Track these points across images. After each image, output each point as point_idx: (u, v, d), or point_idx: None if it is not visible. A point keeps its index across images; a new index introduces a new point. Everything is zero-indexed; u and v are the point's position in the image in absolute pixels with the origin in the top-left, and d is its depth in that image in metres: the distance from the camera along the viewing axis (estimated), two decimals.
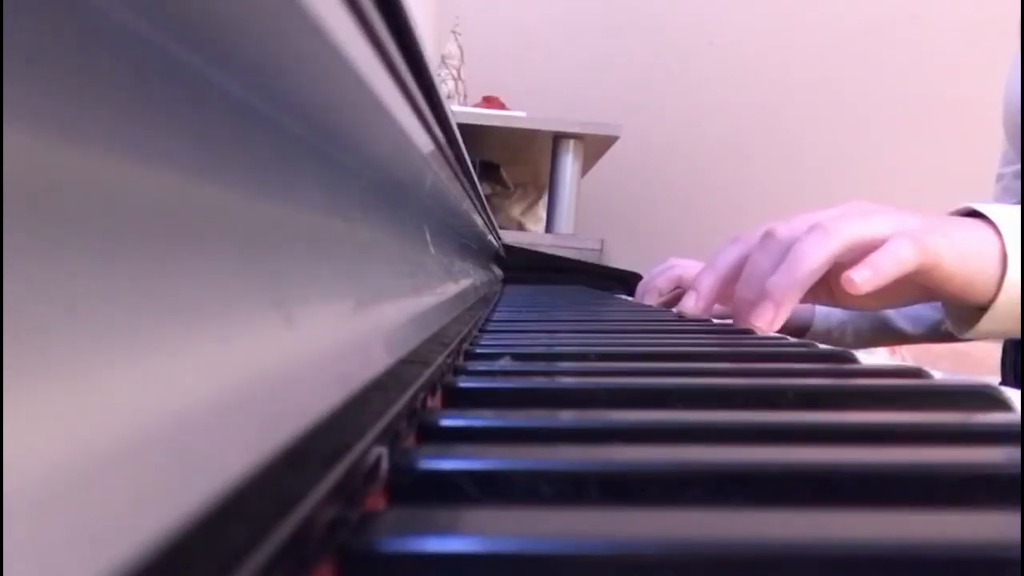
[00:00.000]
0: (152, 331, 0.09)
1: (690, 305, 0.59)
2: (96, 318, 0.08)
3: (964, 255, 0.52)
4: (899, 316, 0.81)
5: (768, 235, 0.55)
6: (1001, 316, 0.54)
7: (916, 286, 0.54)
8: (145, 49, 0.11)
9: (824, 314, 0.82)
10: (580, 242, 1.54)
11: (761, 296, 0.52)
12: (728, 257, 0.59)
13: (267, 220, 0.15)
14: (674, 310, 0.80)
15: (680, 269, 0.86)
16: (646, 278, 0.91)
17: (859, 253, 0.51)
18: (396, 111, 0.23)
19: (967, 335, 0.59)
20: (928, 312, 0.79)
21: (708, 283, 0.59)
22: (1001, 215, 0.54)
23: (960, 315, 0.59)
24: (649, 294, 0.87)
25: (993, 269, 0.53)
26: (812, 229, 0.51)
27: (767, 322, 0.51)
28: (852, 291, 0.49)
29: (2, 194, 0.07)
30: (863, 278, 0.49)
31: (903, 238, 0.50)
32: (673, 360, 0.34)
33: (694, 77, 2.11)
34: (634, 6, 2.12)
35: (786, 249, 0.52)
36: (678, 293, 0.87)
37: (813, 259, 0.50)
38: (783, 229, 0.54)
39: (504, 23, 2.11)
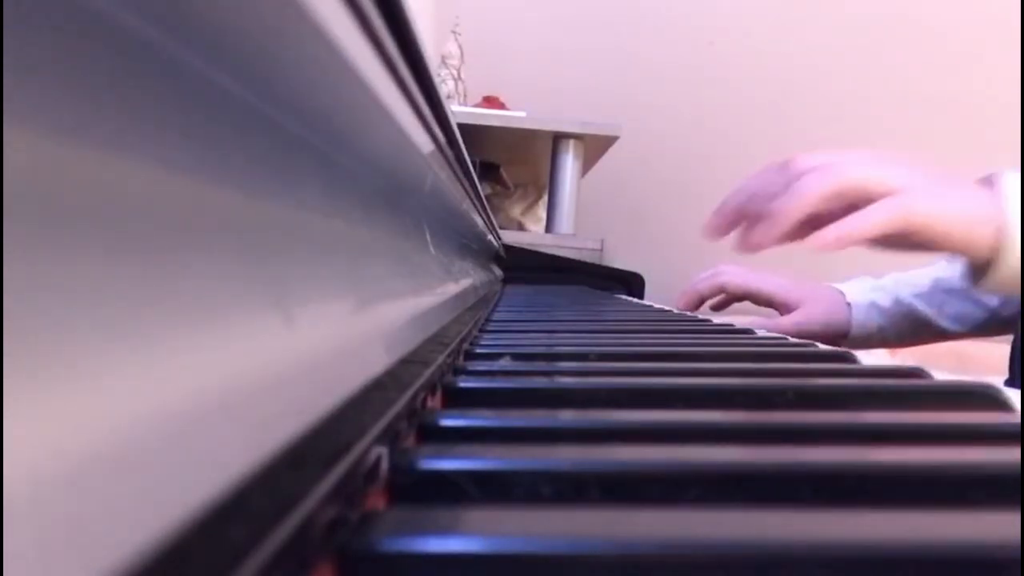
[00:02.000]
0: (152, 331, 0.09)
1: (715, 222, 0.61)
2: (97, 317, 0.08)
3: (956, 219, 0.54)
4: (941, 316, 0.81)
5: (788, 163, 0.58)
6: (1007, 275, 0.55)
7: (913, 241, 0.56)
8: (145, 48, 0.11)
9: (861, 322, 0.81)
10: (580, 242, 1.54)
11: (764, 215, 0.56)
12: (758, 179, 0.60)
13: (267, 220, 0.15)
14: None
15: (728, 276, 0.86)
16: (692, 281, 0.90)
17: (862, 200, 0.53)
18: (396, 111, 0.23)
19: (980, 287, 0.59)
20: (972, 310, 0.79)
21: (732, 200, 0.61)
22: (1012, 181, 0.55)
23: (975, 268, 0.59)
24: (687, 296, 0.86)
25: (990, 234, 0.54)
26: (818, 168, 0.55)
27: (760, 240, 0.56)
28: (816, 246, 0.53)
29: (2, 194, 0.07)
30: (824, 240, 0.53)
31: (890, 202, 0.53)
32: (673, 360, 0.34)
33: (694, 77, 2.11)
34: (634, 6, 2.12)
35: (795, 179, 0.55)
36: (724, 299, 0.87)
37: (807, 198, 0.54)
38: (801, 161, 0.57)
39: (504, 23, 2.11)
